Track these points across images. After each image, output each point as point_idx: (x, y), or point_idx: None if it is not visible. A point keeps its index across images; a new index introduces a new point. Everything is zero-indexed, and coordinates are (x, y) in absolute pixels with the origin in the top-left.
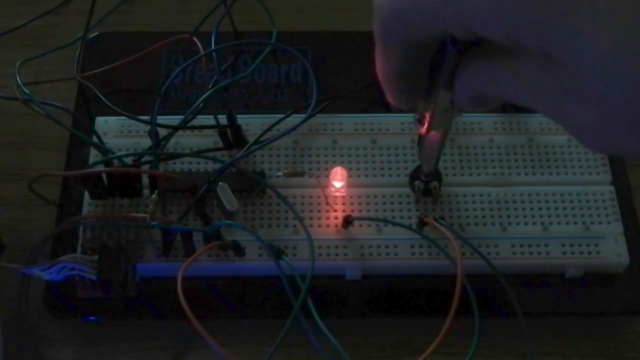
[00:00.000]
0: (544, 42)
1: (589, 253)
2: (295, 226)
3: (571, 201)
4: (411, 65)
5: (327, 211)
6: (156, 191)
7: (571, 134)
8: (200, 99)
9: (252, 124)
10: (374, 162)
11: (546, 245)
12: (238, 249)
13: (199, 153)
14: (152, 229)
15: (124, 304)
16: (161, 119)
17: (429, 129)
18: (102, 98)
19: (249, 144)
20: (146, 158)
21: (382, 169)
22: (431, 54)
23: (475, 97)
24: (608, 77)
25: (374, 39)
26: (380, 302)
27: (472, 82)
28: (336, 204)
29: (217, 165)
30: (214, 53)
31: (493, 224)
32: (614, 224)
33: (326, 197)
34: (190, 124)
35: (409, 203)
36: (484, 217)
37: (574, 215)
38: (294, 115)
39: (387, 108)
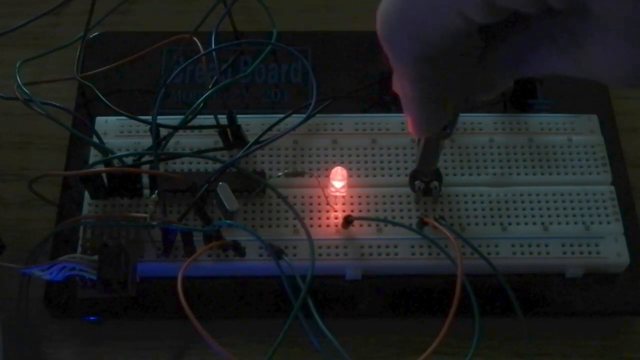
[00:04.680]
0: None
1: (589, 253)
2: (295, 226)
3: (571, 201)
4: (435, 84)
5: (327, 211)
6: (156, 191)
7: (599, 79)
8: (200, 99)
9: (252, 124)
10: (374, 162)
11: (546, 245)
12: (238, 249)
13: (199, 153)
14: (152, 229)
15: (124, 304)
16: (161, 119)
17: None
18: (102, 98)
19: (249, 144)
20: (146, 158)
21: (382, 169)
22: (455, 62)
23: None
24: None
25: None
26: (380, 302)
27: (501, 69)
28: (336, 204)
29: (217, 165)
30: (214, 53)
31: (493, 224)
32: (614, 224)
33: (326, 197)
34: (190, 124)
35: (409, 203)
36: (484, 217)
37: (574, 215)
38: (294, 115)
39: (387, 108)
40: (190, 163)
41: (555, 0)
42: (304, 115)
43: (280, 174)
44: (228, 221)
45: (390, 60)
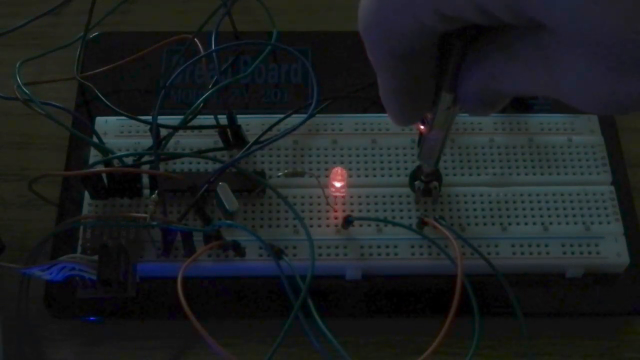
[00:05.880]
0: (510, 7)
1: (589, 253)
2: (295, 226)
3: (571, 201)
4: (408, 80)
5: (327, 211)
6: (156, 191)
7: (571, 101)
8: (200, 99)
9: (252, 124)
10: (374, 162)
11: (546, 245)
12: (238, 249)
13: (199, 153)
14: (152, 229)
15: (124, 304)
16: (161, 119)
17: (431, 128)
18: (102, 98)
19: (249, 144)
20: (146, 158)
21: (382, 169)
22: (427, 66)
23: (479, 98)
24: (581, 22)
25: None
26: (380, 302)
27: (473, 81)
28: (336, 204)
29: (217, 165)
30: (214, 53)
31: (493, 224)
32: (614, 224)
33: (326, 197)
34: (190, 124)
35: (409, 203)
36: (484, 217)
37: (574, 215)
38: (294, 115)
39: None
40: (190, 163)
41: (500, 14)
42: (304, 115)
43: (280, 174)
44: (228, 221)
45: (367, 52)
